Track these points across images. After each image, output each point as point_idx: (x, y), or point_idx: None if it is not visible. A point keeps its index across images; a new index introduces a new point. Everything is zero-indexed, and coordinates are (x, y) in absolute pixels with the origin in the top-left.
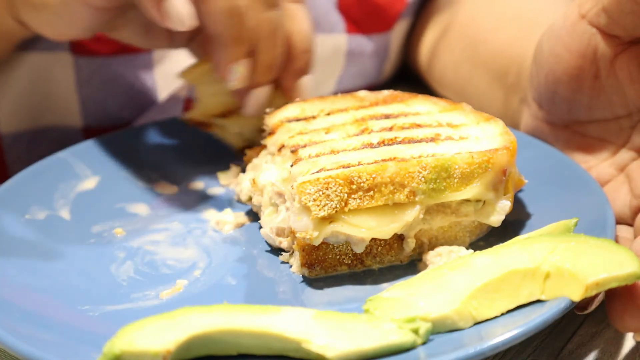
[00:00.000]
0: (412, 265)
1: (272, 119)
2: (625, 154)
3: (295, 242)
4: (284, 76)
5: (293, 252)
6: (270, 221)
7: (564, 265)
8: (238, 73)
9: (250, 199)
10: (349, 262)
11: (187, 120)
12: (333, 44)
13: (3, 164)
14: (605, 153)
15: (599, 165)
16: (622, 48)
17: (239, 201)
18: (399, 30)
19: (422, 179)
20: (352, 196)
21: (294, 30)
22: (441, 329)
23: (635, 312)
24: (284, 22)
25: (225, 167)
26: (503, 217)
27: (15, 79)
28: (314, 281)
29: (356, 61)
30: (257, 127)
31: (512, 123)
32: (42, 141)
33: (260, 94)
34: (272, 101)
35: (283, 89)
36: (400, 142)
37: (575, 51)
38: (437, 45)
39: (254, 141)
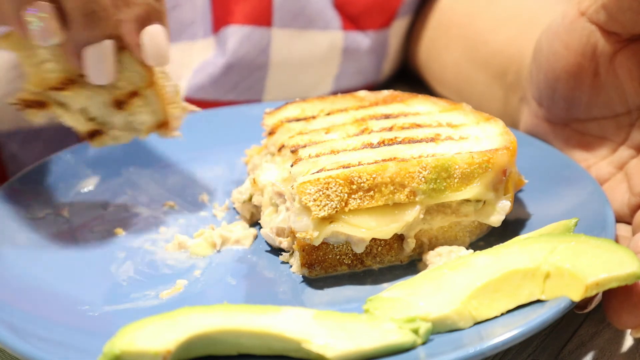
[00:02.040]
0: (412, 265)
1: (272, 119)
2: (624, 152)
3: (295, 242)
4: (121, 28)
5: (293, 252)
6: (270, 221)
7: (564, 265)
8: (37, 23)
9: (250, 198)
10: (349, 262)
11: (17, 101)
12: (329, 41)
13: (0, 162)
14: (605, 151)
15: (598, 163)
16: (621, 45)
17: (234, 208)
18: (398, 28)
19: (422, 179)
20: (352, 196)
21: None
22: (441, 329)
23: (632, 309)
24: None
25: (229, 166)
26: (503, 217)
27: (4, 78)
28: (314, 281)
29: (353, 58)
30: (107, 102)
31: (512, 122)
32: (38, 139)
33: (99, 52)
34: (123, 64)
35: (127, 46)
36: (400, 142)
37: (574, 49)
38: (436, 45)
39: (105, 122)
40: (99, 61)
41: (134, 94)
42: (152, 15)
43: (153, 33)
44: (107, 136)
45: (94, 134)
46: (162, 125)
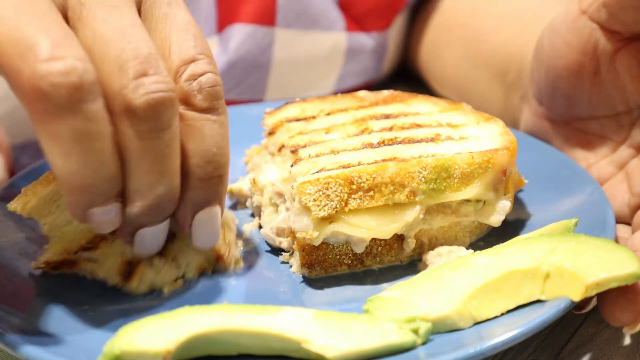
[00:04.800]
0: (412, 265)
1: (272, 119)
2: (624, 151)
3: (295, 242)
4: (177, 207)
5: (293, 252)
6: (270, 221)
7: (564, 265)
8: (104, 219)
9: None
10: (349, 262)
11: (41, 266)
12: (332, 42)
13: (11, 173)
14: (605, 150)
15: (598, 162)
16: (622, 44)
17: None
18: (397, 26)
19: (422, 179)
20: (352, 196)
21: (190, 152)
22: (441, 329)
23: (626, 305)
24: (176, 146)
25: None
26: (503, 217)
27: (10, 93)
28: (314, 281)
29: (356, 59)
30: None
31: (513, 121)
32: None
33: (154, 233)
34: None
35: (178, 222)
36: (400, 142)
37: (575, 47)
38: (437, 45)
39: (138, 257)
40: (151, 240)
41: (171, 235)
42: (209, 199)
43: (206, 220)
44: (147, 269)
45: (128, 274)
46: (218, 260)
